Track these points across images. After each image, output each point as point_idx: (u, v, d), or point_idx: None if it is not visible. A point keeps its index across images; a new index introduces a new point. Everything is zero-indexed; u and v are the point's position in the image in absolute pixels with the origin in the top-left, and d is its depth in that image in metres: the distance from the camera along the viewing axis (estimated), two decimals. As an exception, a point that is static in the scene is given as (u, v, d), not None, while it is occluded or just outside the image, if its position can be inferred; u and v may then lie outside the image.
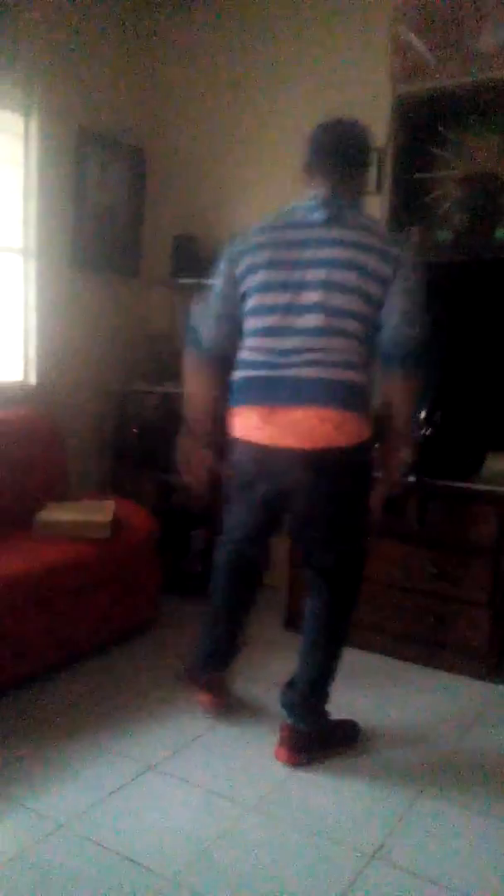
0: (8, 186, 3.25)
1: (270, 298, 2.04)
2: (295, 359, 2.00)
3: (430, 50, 3.12)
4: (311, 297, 1.99)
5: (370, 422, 2.07)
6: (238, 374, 2.13)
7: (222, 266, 2.16)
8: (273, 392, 2.03)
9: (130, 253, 3.75)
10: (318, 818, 1.94)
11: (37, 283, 3.34)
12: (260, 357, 2.06)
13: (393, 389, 2.08)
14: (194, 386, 2.28)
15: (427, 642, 2.83)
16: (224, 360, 2.18)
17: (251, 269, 2.07)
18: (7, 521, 2.82)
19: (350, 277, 1.96)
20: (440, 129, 3.14)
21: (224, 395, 2.18)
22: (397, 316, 1.99)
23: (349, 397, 2.00)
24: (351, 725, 2.31)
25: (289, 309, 2.01)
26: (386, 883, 1.72)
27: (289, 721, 2.18)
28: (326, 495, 2.09)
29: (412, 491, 2.77)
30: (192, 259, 3.54)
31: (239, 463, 2.17)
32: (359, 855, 1.80)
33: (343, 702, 2.31)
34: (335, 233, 2.00)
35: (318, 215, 2.02)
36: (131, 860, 1.74)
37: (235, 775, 2.11)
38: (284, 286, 2.02)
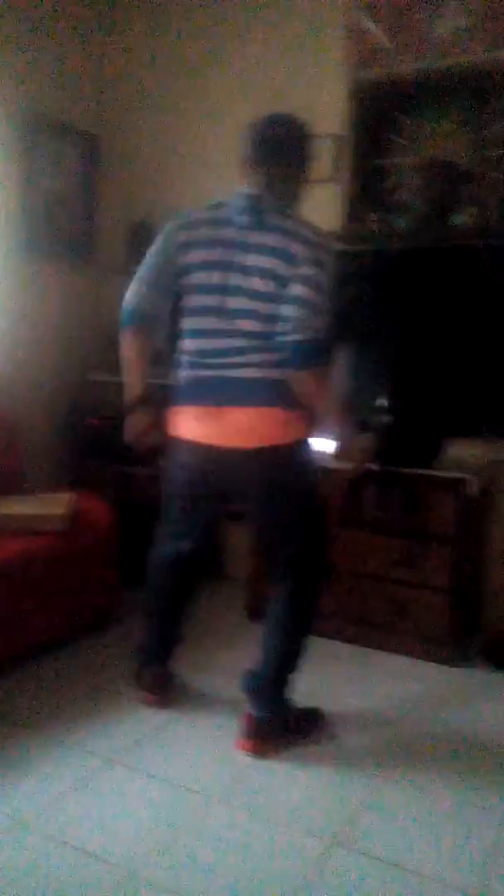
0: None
1: (203, 300, 2.06)
2: (233, 360, 2.03)
3: (387, 36, 3.11)
4: (240, 302, 2.01)
5: (310, 417, 2.09)
6: (179, 375, 2.14)
7: (160, 241, 2.14)
8: (214, 392, 2.05)
9: (84, 241, 3.68)
10: (281, 806, 1.93)
11: (-12, 271, 3.26)
12: (198, 358, 2.08)
13: (305, 387, 2.02)
14: (125, 353, 2.25)
15: (389, 628, 2.84)
16: (151, 326, 2.17)
17: (192, 265, 2.06)
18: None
19: (268, 285, 1.98)
20: (397, 115, 3.13)
21: (154, 362, 2.20)
22: (290, 307, 1.95)
23: (280, 394, 2.02)
24: (314, 712, 2.30)
25: (221, 312, 2.03)
26: (351, 868, 1.72)
27: (251, 710, 2.16)
28: (274, 493, 2.11)
29: (372, 479, 2.78)
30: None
31: (180, 461, 2.18)
32: (323, 841, 1.80)
33: (306, 689, 2.30)
34: (258, 238, 1.99)
35: (244, 218, 2.02)
36: (91, 854, 1.71)
37: (197, 766, 2.09)
38: (216, 288, 2.03)
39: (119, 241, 3.66)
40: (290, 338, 1.96)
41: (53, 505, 2.80)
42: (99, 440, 3.49)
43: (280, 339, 1.98)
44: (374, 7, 3.12)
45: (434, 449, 2.84)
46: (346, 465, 2.79)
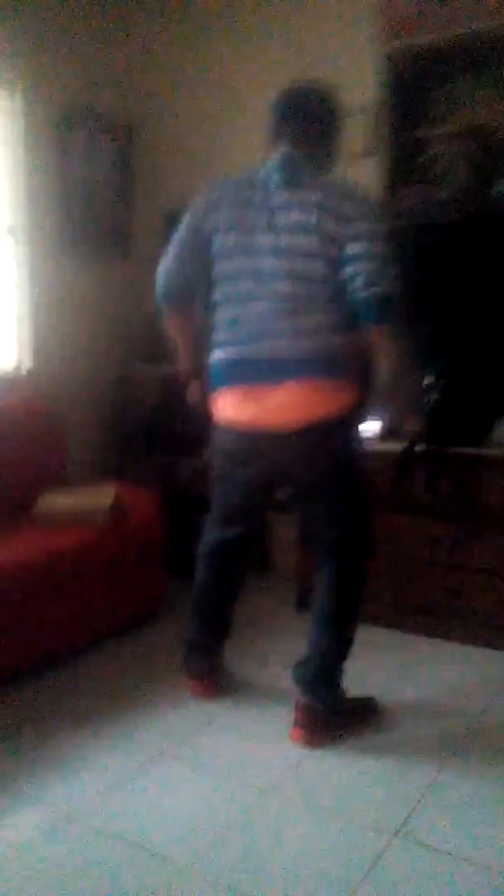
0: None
1: (235, 265, 1.99)
2: (264, 330, 1.95)
3: (419, 3, 3.00)
4: (275, 263, 1.93)
5: (355, 386, 2.00)
6: (214, 355, 2.08)
7: (187, 216, 2.10)
8: (250, 370, 1.99)
9: (121, 232, 3.66)
10: (336, 799, 1.87)
11: (27, 265, 3.26)
12: (233, 330, 2.01)
13: (372, 342, 1.94)
14: (168, 332, 2.28)
15: (443, 615, 2.75)
16: (186, 301, 2.16)
17: (217, 229, 2.01)
18: (6, 510, 2.75)
19: (311, 242, 1.90)
20: (432, 85, 3.02)
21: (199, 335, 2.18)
22: (357, 262, 1.87)
23: (328, 365, 1.95)
24: (369, 702, 2.23)
25: (254, 276, 1.96)
26: (410, 861, 1.65)
27: (303, 699, 2.11)
28: (319, 474, 2.04)
29: (421, 461, 2.69)
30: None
31: (223, 445, 2.14)
32: (380, 834, 1.73)
33: (358, 678, 2.23)
34: (294, 195, 1.93)
35: (277, 177, 1.95)
36: (144, 848, 1.68)
37: (249, 759, 2.04)
38: (247, 252, 1.97)
39: (156, 229, 3.62)
40: (363, 293, 1.86)
41: (98, 498, 2.78)
42: (142, 432, 3.47)
43: (354, 296, 1.87)
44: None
45: (485, 427, 2.73)
46: (394, 446, 2.72)
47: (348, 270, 1.88)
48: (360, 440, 2.12)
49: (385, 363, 1.94)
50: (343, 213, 1.88)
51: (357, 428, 2.08)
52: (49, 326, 3.35)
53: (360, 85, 3.11)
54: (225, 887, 1.57)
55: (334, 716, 2.12)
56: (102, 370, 3.59)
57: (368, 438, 2.82)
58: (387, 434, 2.83)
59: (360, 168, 3.13)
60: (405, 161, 3.09)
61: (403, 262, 2.87)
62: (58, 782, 1.92)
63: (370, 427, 2.87)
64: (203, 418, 2.35)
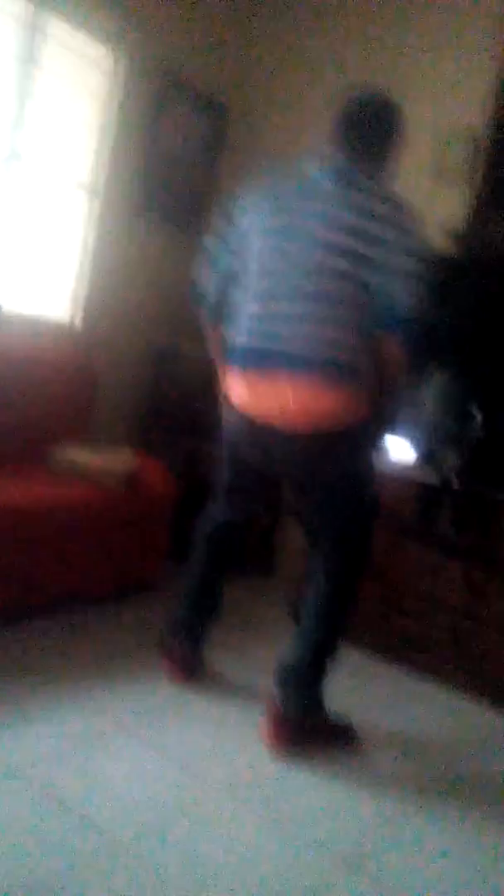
0: (85, 120, 3.15)
1: (271, 265, 1.96)
2: (293, 325, 1.90)
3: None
4: (312, 265, 1.89)
5: (367, 398, 1.93)
6: (234, 340, 2.03)
7: (233, 220, 2.09)
8: (267, 358, 1.93)
9: (200, 208, 3.61)
10: (292, 814, 1.77)
11: (98, 223, 3.23)
12: (255, 325, 1.96)
13: (381, 352, 1.91)
14: (207, 340, 2.25)
15: (442, 657, 2.62)
16: (224, 312, 2.12)
17: (253, 230, 2.01)
18: (25, 455, 2.71)
19: (350, 247, 1.86)
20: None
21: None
22: (389, 280, 1.85)
23: (345, 368, 1.88)
24: (348, 728, 2.12)
25: (288, 276, 1.92)
26: (352, 891, 1.54)
27: (279, 702, 2.01)
28: (321, 479, 2.01)
29: (451, 495, 2.58)
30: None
31: (228, 425, 2.11)
32: (331, 861, 1.62)
33: (345, 703, 2.13)
34: (341, 200, 1.91)
35: (327, 183, 1.94)
36: (82, 816, 1.60)
37: (212, 753, 1.95)
38: (284, 251, 1.94)
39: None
40: (384, 300, 1.86)
41: (117, 461, 2.73)
42: (174, 411, 3.41)
43: (375, 302, 1.86)
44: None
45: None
46: (425, 475, 2.63)
47: (379, 280, 1.86)
48: (371, 456, 2.08)
49: (388, 376, 1.91)
50: (386, 222, 1.86)
51: (369, 441, 2.03)
52: (106, 287, 3.31)
53: (468, 110, 3.05)
54: (158, 875, 1.48)
55: (308, 730, 2.02)
56: (149, 341, 3.54)
57: (398, 463, 2.73)
58: (422, 462, 2.74)
59: (451, 193, 3.07)
60: (499, 193, 3.00)
61: (474, 291, 2.83)
62: (7, 734, 1.83)
63: (401, 451, 2.78)
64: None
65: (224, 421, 2.13)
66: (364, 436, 2.00)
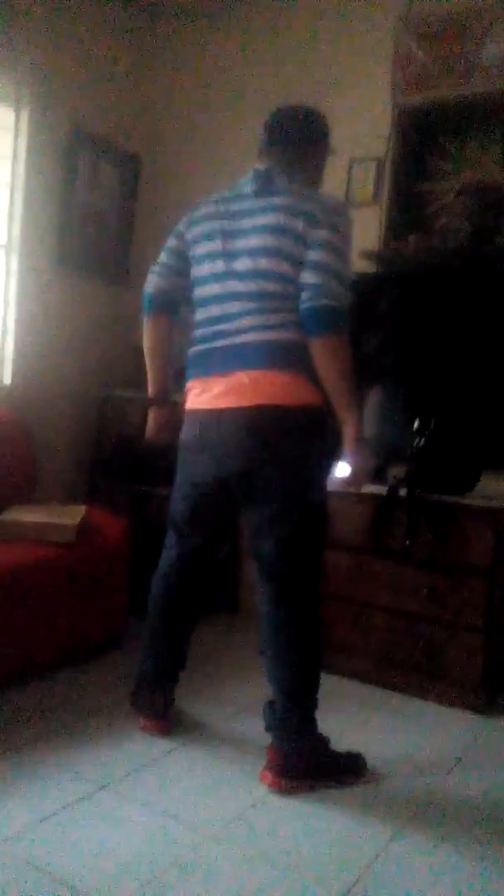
0: (-4, 180, 3.14)
1: (207, 268, 2.02)
2: (232, 325, 1.95)
3: (433, 61, 3.07)
4: (243, 263, 1.94)
5: (318, 385, 1.90)
6: (189, 351, 2.08)
7: (176, 227, 2.14)
8: (213, 360, 1.97)
9: (119, 258, 3.63)
10: (286, 850, 1.70)
11: (17, 280, 3.21)
12: (204, 328, 2.02)
13: (315, 358, 1.88)
14: (145, 342, 2.23)
15: (415, 669, 2.61)
16: (170, 308, 2.15)
17: (195, 240, 2.06)
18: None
19: (277, 241, 1.90)
20: (440, 140, 3.07)
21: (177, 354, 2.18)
22: (310, 272, 1.86)
23: (288, 358, 1.89)
24: (356, 758, 2.05)
25: (223, 276, 1.97)
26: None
27: (273, 741, 1.96)
28: (266, 459, 1.90)
29: (402, 505, 2.60)
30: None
31: (184, 437, 2.10)
32: (329, 893, 1.57)
33: (324, 730, 2.05)
34: (265, 200, 1.96)
35: (252, 186, 2.00)
36: (67, 885, 1.50)
37: (197, 800, 1.88)
38: (220, 255, 1.99)
39: (154, 261, 3.59)
40: (307, 304, 1.86)
41: (66, 515, 2.67)
42: (117, 457, 3.37)
43: (300, 305, 1.87)
44: (422, 33, 3.09)
45: (471, 477, 2.66)
46: (375, 488, 2.63)
47: (302, 277, 1.87)
48: (321, 440, 1.95)
49: (326, 381, 1.87)
50: (310, 217, 1.88)
51: (321, 424, 1.93)
52: (33, 343, 3.28)
53: (372, 135, 3.16)
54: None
55: (311, 765, 1.95)
56: (83, 392, 3.50)
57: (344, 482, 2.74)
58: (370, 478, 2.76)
59: (363, 214, 3.15)
60: (409, 211, 3.10)
61: (398, 308, 2.90)
62: (-16, 808, 1.74)
63: (346, 471, 2.79)
64: (165, 450, 2.28)
65: (182, 437, 2.10)
66: (315, 424, 1.91)
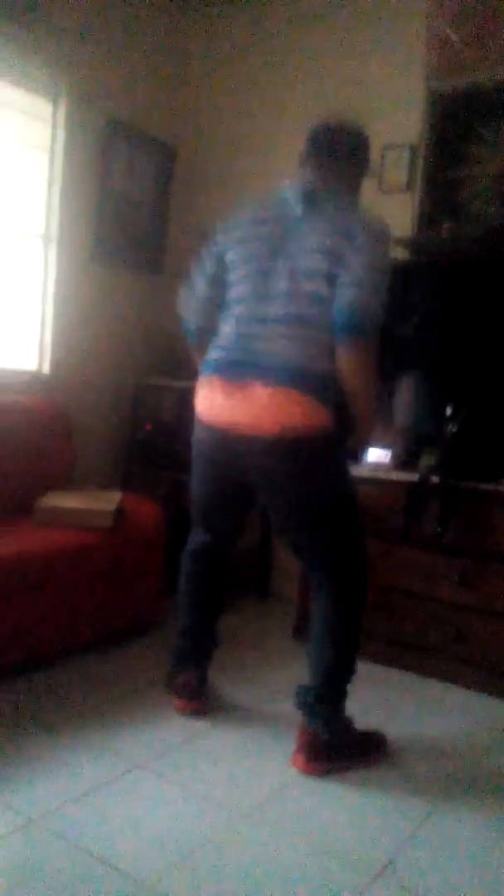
0: (33, 172, 3.19)
1: (247, 288, 2.01)
2: (261, 345, 1.94)
3: (467, 44, 3.02)
4: (281, 285, 1.94)
5: (335, 412, 1.93)
6: (209, 353, 2.08)
7: (211, 248, 2.14)
8: (236, 368, 1.96)
9: (154, 247, 3.66)
10: (318, 830, 1.75)
11: (56, 270, 3.26)
12: (229, 341, 2.01)
13: (339, 361, 1.90)
14: (197, 361, 2.23)
15: (447, 656, 2.63)
16: (211, 336, 2.13)
17: (233, 261, 2.06)
18: (9, 507, 2.70)
19: (316, 261, 1.90)
20: (475, 125, 3.03)
21: None
22: (346, 283, 1.87)
23: (311, 382, 1.89)
24: (376, 736, 2.12)
25: (260, 297, 1.98)
26: (390, 903, 1.53)
27: (306, 724, 2.00)
28: (289, 483, 1.97)
29: (433, 493, 2.60)
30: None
31: (196, 440, 2.13)
32: (362, 873, 1.61)
33: (356, 715, 2.10)
34: (309, 223, 1.95)
35: (297, 208, 1.99)
36: (104, 861, 1.57)
37: (230, 780, 1.93)
38: (260, 276, 1.99)
39: (188, 249, 3.62)
40: (342, 307, 1.86)
41: (103, 501, 2.73)
42: (152, 445, 3.42)
43: (334, 307, 1.87)
44: (455, 16, 3.05)
45: (502, 465, 2.65)
46: (406, 476, 2.65)
47: (339, 290, 1.87)
48: (344, 467, 2.05)
49: (349, 383, 1.90)
50: (354, 238, 1.88)
51: (338, 452, 2.00)
52: (71, 333, 3.34)
53: (405, 121, 3.14)
54: (188, 908, 1.46)
55: (341, 746, 2.00)
56: (120, 380, 3.56)
57: (379, 467, 2.76)
58: (399, 463, 2.77)
59: (396, 201, 3.14)
60: (442, 198, 3.08)
61: (431, 294, 2.89)
62: (25, 785, 1.81)
63: (378, 456, 2.81)
64: None
65: (193, 438, 2.14)
66: (332, 446, 1.96)
